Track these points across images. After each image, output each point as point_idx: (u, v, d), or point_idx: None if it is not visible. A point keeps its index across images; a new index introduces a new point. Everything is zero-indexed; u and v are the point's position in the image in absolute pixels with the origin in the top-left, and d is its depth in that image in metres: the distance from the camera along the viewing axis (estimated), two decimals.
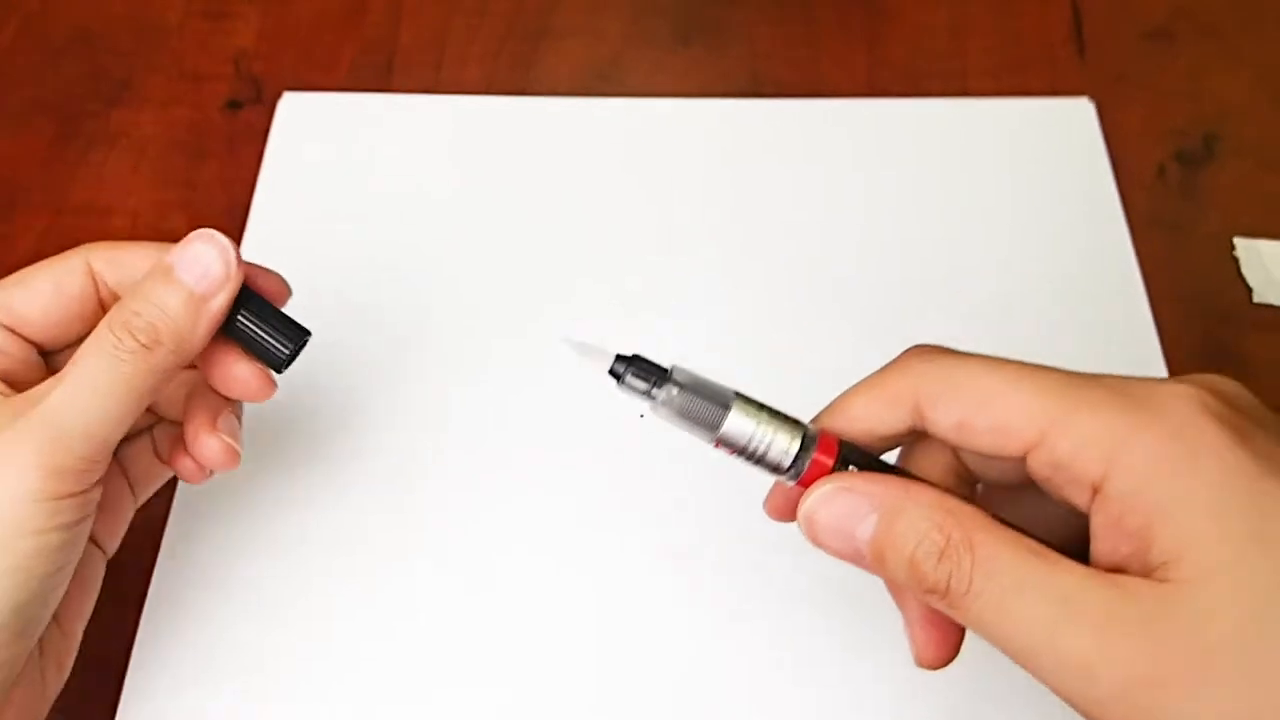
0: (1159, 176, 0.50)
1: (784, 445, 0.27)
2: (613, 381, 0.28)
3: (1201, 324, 0.46)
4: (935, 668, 0.29)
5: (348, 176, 0.50)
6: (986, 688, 0.37)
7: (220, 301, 0.32)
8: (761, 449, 0.27)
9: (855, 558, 0.27)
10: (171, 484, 0.41)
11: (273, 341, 0.33)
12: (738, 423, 0.27)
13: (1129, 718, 0.24)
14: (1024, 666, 0.25)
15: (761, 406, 0.28)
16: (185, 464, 0.35)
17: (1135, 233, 0.48)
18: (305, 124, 0.52)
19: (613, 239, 0.48)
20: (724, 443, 0.27)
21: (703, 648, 0.38)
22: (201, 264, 0.32)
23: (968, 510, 0.26)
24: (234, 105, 0.53)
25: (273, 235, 0.48)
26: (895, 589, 0.30)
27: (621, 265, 0.47)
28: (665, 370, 0.28)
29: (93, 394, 0.30)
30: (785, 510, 0.30)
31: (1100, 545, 0.26)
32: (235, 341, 0.33)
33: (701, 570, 0.40)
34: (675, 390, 0.27)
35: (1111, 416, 0.25)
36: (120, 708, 0.37)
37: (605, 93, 0.53)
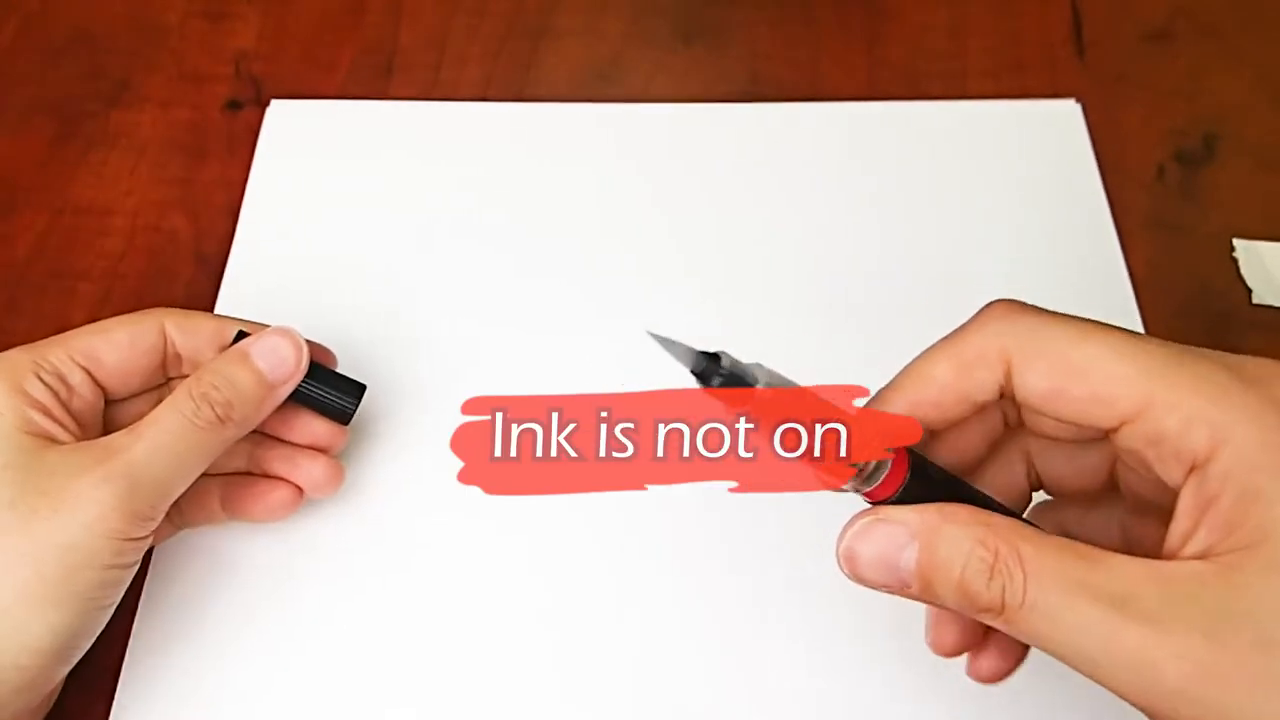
0: (1158, 177, 0.50)
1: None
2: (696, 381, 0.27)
3: (1201, 325, 0.46)
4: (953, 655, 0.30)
5: (336, 184, 0.50)
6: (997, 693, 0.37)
7: (287, 389, 0.37)
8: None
9: (901, 588, 0.26)
10: None
11: (338, 401, 0.39)
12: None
13: (1193, 714, 0.23)
14: (1084, 672, 0.24)
15: None
16: (274, 497, 0.39)
17: (1134, 233, 0.48)
18: (294, 132, 0.52)
19: (612, 244, 0.48)
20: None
21: (713, 662, 0.38)
22: (277, 355, 0.37)
23: (1006, 521, 0.26)
24: (234, 105, 0.53)
25: (261, 245, 0.48)
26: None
27: (621, 269, 0.47)
28: (751, 376, 0.26)
29: (170, 453, 0.34)
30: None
31: (1181, 524, 0.25)
32: (304, 405, 0.39)
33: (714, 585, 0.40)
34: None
35: (1223, 394, 0.24)
36: (113, 714, 0.37)
37: (605, 93, 0.53)
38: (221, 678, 0.38)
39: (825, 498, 0.40)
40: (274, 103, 0.52)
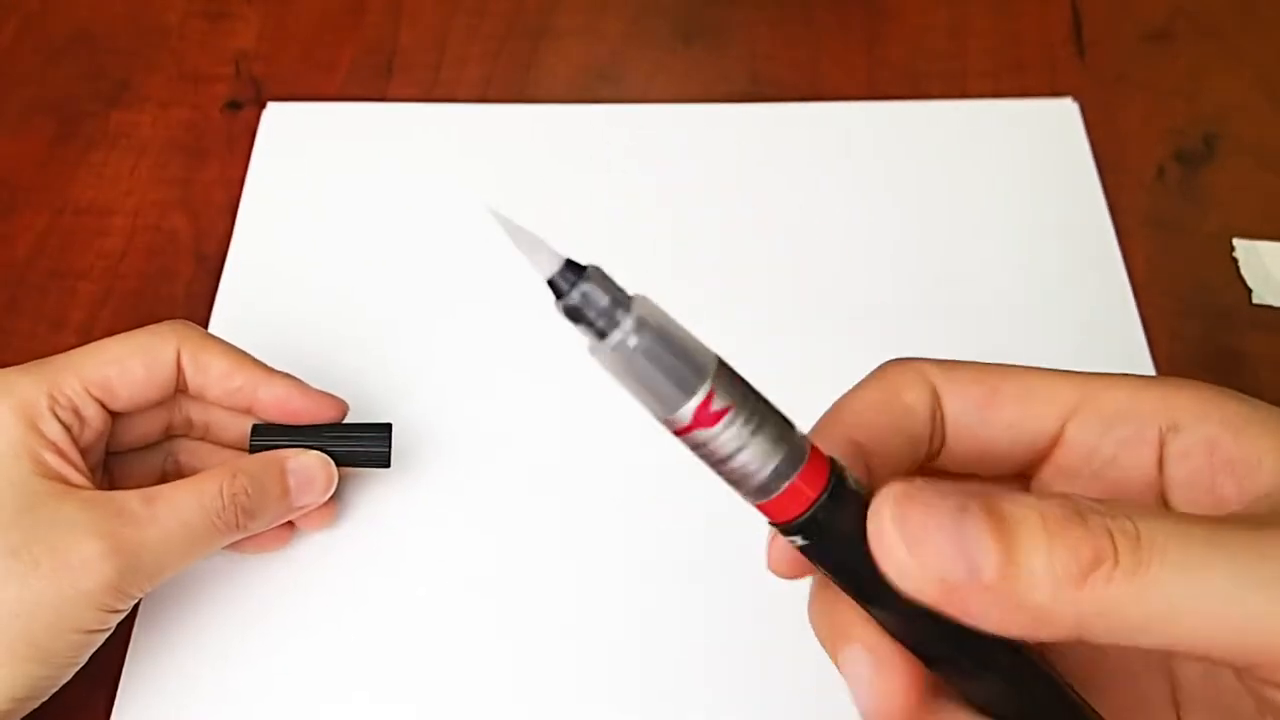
0: (1158, 176, 0.50)
1: (764, 450, 0.20)
2: (551, 295, 0.20)
3: (1201, 324, 0.46)
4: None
5: (332, 187, 0.50)
6: None
7: (304, 512, 0.38)
8: (728, 451, 0.20)
9: (961, 607, 0.20)
10: None
11: (372, 450, 0.39)
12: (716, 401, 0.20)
13: None
14: (1199, 653, 0.20)
15: (749, 390, 0.21)
16: (265, 535, 0.38)
17: (1134, 233, 0.48)
18: (290, 134, 0.52)
19: (612, 244, 0.48)
20: (684, 430, 0.20)
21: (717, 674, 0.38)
22: (308, 476, 0.37)
23: (1126, 500, 0.22)
24: (234, 106, 0.53)
25: (258, 248, 0.48)
26: None
27: (622, 269, 0.47)
28: (628, 300, 0.20)
29: (180, 541, 0.34)
30: (798, 565, 0.24)
31: (1183, 494, 0.23)
32: (342, 464, 0.38)
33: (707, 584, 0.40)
34: (636, 337, 0.19)
35: (1156, 380, 0.24)
36: (114, 714, 0.37)
37: (605, 93, 0.53)
38: (223, 677, 0.38)
39: None
40: (270, 105, 0.52)
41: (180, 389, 0.38)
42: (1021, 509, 0.19)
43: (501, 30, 0.56)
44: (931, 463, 0.25)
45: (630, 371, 0.20)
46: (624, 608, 0.39)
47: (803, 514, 0.21)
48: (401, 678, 0.38)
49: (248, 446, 0.38)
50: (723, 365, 0.20)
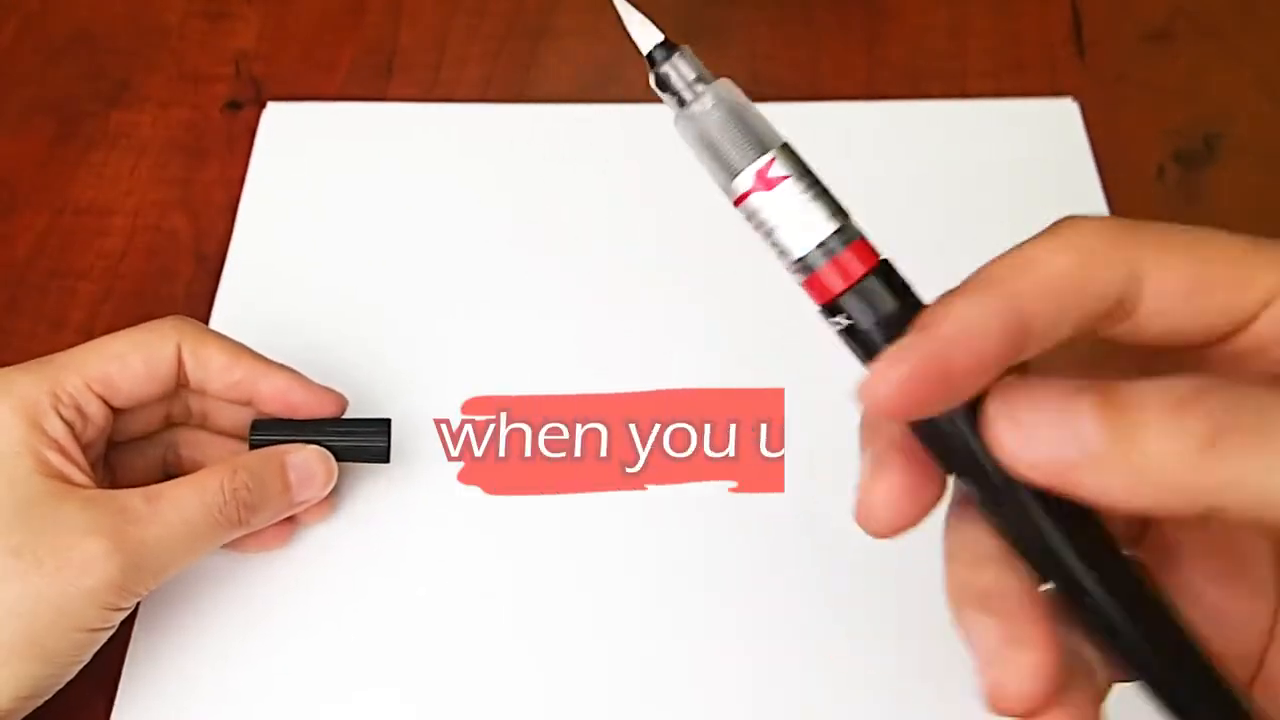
0: (1158, 177, 0.50)
1: (816, 220, 0.22)
2: (649, 66, 0.24)
3: None
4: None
5: (332, 187, 0.50)
6: None
7: (304, 507, 0.38)
8: (782, 217, 0.22)
9: (1076, 482, 0.19)
10: None
11: (370, 445, 0.39)
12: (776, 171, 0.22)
13: None
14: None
15: (808, 169, 0.23)
16: (267, 532, 0.38)
17: None
18: (290, 135, 0.52)
19: (613, 245, 0.48)
20: (744, 196, 0.23)
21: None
22: (308, 472, 0.38)
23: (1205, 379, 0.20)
24: (234, 106, 0.53)
25: (258, 248, 0.48)
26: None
27: (622, 269, 0.47)
28: (711, 78, 0.23)
29: (182, 539, 0.35)
30: (892, 508, 0.22)
31: None
32: (342, 460, 0.39)
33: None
34: (712, 107, 0.23)
35: None
36: (114, 714, 0.37)
37: (605, 93, 0.53)
38: (223, 677, 0.38)
39: (824, 510, 0.40)
40: (270, 105, 0.52)
41: (181, 383, 0.38)
42: (1139, 386, 0.19)
43: (501, 30, 0.56)
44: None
45: (704, 138, 0.23)
46: (626, 606, 0.39)
47: (849, 288, 0.22)
48: (402, 678, 0.38)
49: (247, 437, 0.38)
50: (788, 146, 0.23)
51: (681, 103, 0.23)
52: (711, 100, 0.23)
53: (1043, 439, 0.19)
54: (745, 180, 0.22)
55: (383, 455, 0.39)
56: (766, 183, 0.23)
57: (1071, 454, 0.19)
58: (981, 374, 0.20)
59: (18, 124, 0.53)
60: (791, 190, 0.22)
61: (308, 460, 0.38)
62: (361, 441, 0.39)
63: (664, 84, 0.23)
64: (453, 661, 0.38)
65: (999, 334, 0.20)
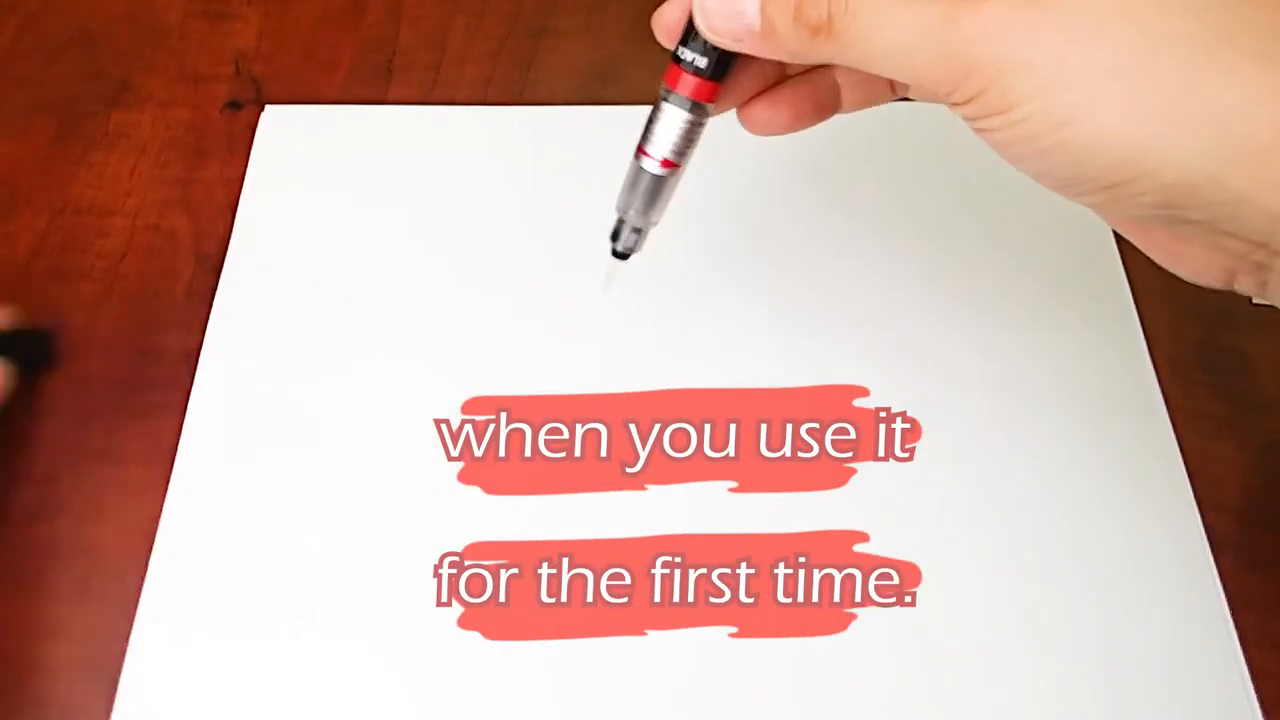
0: None
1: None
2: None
3: (1201, 324, 0.46)
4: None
5: (331, 189, 0.49)
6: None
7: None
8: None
9: (750, 39, 0.30)
10: (163, 485, 0.41)
11: (33, 352, 0.45)
12: None
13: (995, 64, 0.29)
14: (903, 77, 0.30)
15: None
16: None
17: None
18: (288, 137, 0.51)
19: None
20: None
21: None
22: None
23: None
24: (234, 106, 0.53)
25: (257, 249, 0.48)
26: None
27: (621, 271, 0.47)
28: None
29: None
30: (676, 28, 0.33)
31: None
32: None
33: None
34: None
35: None
36: (114, 714, 0.37)
37: (605, 94, 0.53)
38: (223, 677, 0.38)
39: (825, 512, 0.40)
40: (268, 108, 0.52)
41: None
42: None
43: (501, 30, 0.56)
44: None
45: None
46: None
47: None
48: (402, 677, 0.38)
49: None
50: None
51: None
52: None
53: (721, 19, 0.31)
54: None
55: (46, 361, 0.44)
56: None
57: (739, 30, 0.30)
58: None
59: (18, 124, 0.53)
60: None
61: None
62: (23, 349, 0.43)
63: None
64: (453, 661, 0.38)
65: None
